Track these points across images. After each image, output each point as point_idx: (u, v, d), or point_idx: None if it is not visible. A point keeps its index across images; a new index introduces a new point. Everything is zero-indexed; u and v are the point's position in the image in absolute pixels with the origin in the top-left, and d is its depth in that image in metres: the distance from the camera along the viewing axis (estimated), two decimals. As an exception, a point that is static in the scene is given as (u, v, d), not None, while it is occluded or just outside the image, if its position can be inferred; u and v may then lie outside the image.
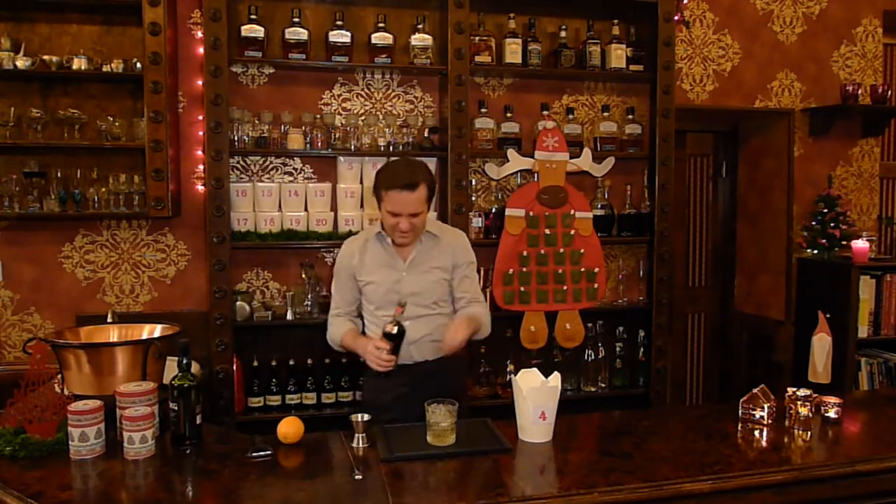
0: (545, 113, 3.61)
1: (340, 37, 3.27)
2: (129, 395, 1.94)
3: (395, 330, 2.21)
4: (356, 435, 2.01)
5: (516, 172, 3.58)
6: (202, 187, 3.34)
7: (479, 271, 3.54)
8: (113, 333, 2.35)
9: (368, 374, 2.45)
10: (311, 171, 3.47)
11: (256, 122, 3.28)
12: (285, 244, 3.31)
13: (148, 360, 2.13)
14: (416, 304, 2.38)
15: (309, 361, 3.38)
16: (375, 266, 2.43)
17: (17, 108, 3.09)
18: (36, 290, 3.29)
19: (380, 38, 3.31)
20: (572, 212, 3.53)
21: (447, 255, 2.47)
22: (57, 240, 3.30)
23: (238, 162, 3.39)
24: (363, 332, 2.53)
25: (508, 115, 3.57)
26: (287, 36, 3.23)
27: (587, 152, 3.56)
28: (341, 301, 2.53)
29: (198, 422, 1.99)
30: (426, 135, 3.43)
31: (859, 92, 4.01)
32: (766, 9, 4.04)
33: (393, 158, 2.49)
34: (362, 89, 3.52)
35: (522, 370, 2.15)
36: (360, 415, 2.04)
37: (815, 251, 3.99)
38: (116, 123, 3.15)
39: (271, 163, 3.43)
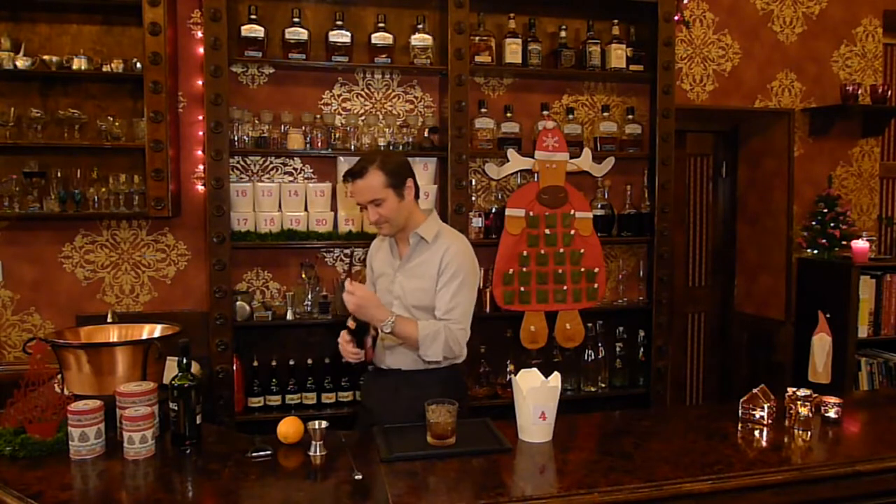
0: (545, 113, 3.61)
1: (340, 37, 3.27)
2: (129, 395, 1.94)
3: (353, 326, 2.22)
4: (313, 442, 1.91)
5: (516, 172, 3.58)
6: (202, 187, 3.34)
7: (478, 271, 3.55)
8: (113, 333, 2.35)
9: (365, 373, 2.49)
10: (311, 171, 3.47)
11: (256, 122, 3.28)
12: (285, 244, 3.31)
13: (148, 360, 2.13)
14: (398, 307, 2.29)
15: (309, 361, 3.38)
16: (382, 262, 2.44)
17: (17, 108, 3.09)
18: (36, 290, 3.29)
19: (380, 38, 3.31)
20: (572, 212, 3.53)
21: (434, 261, 2.27)
22: (57, 240, 3.30)
23: (238, 162, 3.39)
24: None
25: (508, 115, 3.57)
26: (287, 36, 3.23)
27: (587, 152, 3.56)
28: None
29: (198, 422, 1.99)
30: (426, 135, 3.43)
31: (859, 92, 4.01)
32: (766, 9, 4.04)
33: None
34: (362, 89, 3.52)
35: (522, 370, 2.15)
36: (317, 422, 1.93)
37: (815, 251, 3.99)
38: (116, 123, 3.15)
39: (271, 163, 3.43)
